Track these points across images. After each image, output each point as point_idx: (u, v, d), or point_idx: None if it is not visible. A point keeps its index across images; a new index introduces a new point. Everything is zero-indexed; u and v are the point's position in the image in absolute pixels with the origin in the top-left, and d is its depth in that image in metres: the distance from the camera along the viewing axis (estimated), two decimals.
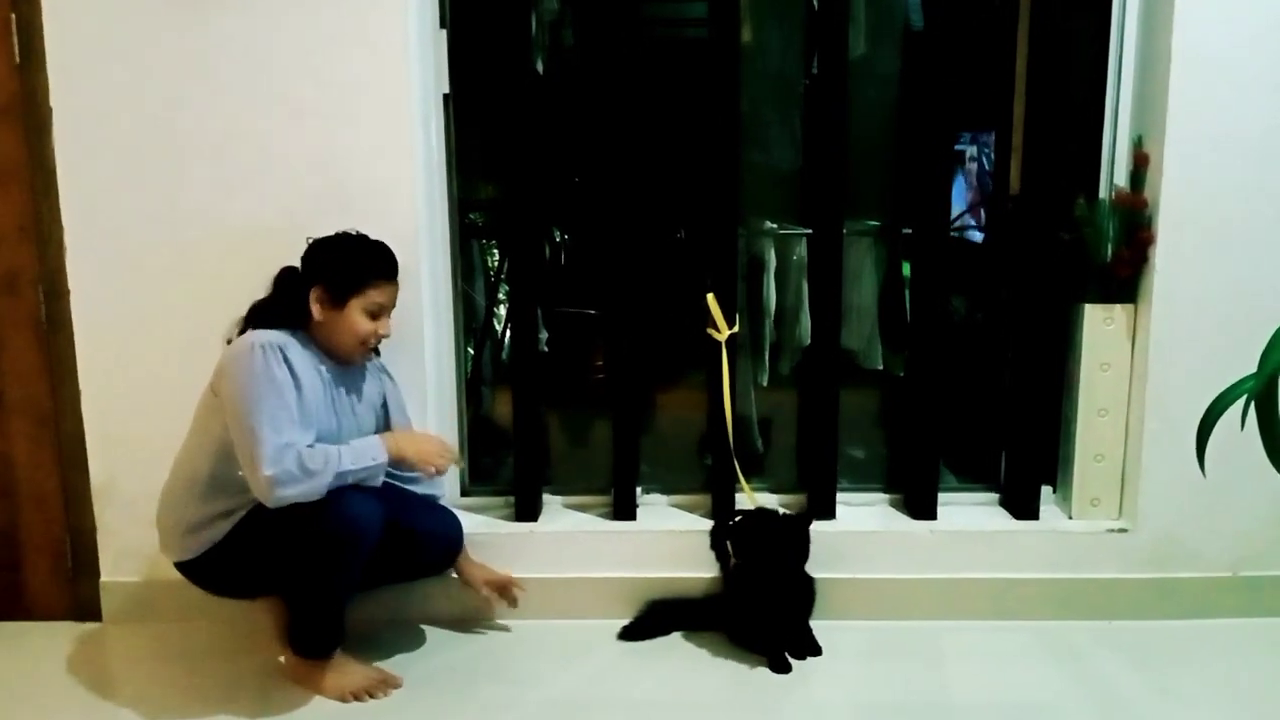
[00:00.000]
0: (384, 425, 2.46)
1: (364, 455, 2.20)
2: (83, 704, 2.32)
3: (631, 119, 2.61)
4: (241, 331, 2.25)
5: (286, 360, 2.16)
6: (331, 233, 2.31)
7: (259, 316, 2.27)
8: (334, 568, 2.20)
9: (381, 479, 2.30)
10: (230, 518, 2.21)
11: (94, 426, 2.60)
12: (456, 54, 2.65)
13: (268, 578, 2.31)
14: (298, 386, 2.16)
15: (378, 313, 2.28)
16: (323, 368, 2.26)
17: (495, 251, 3.12)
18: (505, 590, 2.57)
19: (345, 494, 2.16)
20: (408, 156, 2.51)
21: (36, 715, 2.27)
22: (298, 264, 2.31)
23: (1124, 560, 2.64)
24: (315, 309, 2.24)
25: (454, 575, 2.57)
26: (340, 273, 2.25)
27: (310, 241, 2.30)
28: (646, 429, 2.99)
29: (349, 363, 2.34)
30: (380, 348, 2.44)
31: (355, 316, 2.25)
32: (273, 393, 2.12)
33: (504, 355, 3.08)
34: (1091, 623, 2.62)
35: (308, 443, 2.13)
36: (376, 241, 2.32)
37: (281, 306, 2.27)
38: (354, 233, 2.32)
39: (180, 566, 2.30)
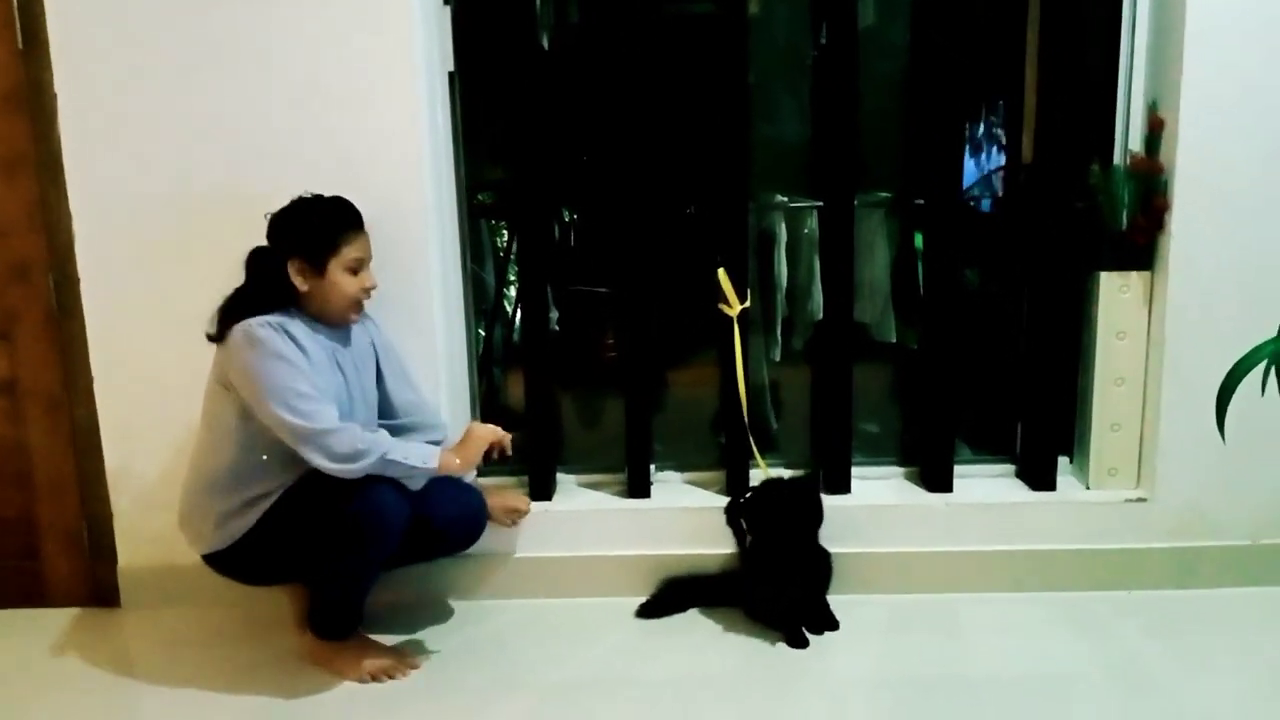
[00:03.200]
0: (377, 369, 2.44)
1: (415, 455, 2.18)
2: (102, 689, 2.34)
3: (639, 94, 2.58)
4: (223, 322, 2.20)
5: (291, 338, 2.15)
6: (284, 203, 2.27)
7: (243, 304, 2.21)
8: (358, 558, 2.22)
9: (421, 484, 2.27)
10: (258, 505, 2.21)
11: (107, 413, 2.61)
12: (461, 31, 2.63)
13: (295, 564, 2.31)
14: (308, 360, 2.16)
15: (357, 267, 2.26)
16: (320, 336, 2.25)
17: (505, 231, 3.10)
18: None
19: (376, 486, 2.16)
20: (415, 136, 2.49)
21: (56, 701, 2.28)
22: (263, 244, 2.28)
23: (1143, 530, 2.62)
24: (298, 281, 2.21)
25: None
26: (310, 239, 2.22)
27: (269, 217, 2.26)
28: (659, 406, 2.98)
29: (344, 325, 2.32)
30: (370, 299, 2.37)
31: (338, 277, 2.23)
32: (294, 375, 2.11)
33: (515, 335, 3.07)
34: (1111, 593, 2.60)
35: (333, 415, 2.13)
36: (333, 197, 2.27)
37: (262, 288, 2.23)
38: (308, 195, 2.28)
39: (209, 559, 2.30)
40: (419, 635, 2.49)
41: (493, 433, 2.32)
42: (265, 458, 2.19)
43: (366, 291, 2.28)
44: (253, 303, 2.20)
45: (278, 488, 2.21)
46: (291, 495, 2.21)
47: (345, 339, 2.34)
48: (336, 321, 2.29)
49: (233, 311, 2.20)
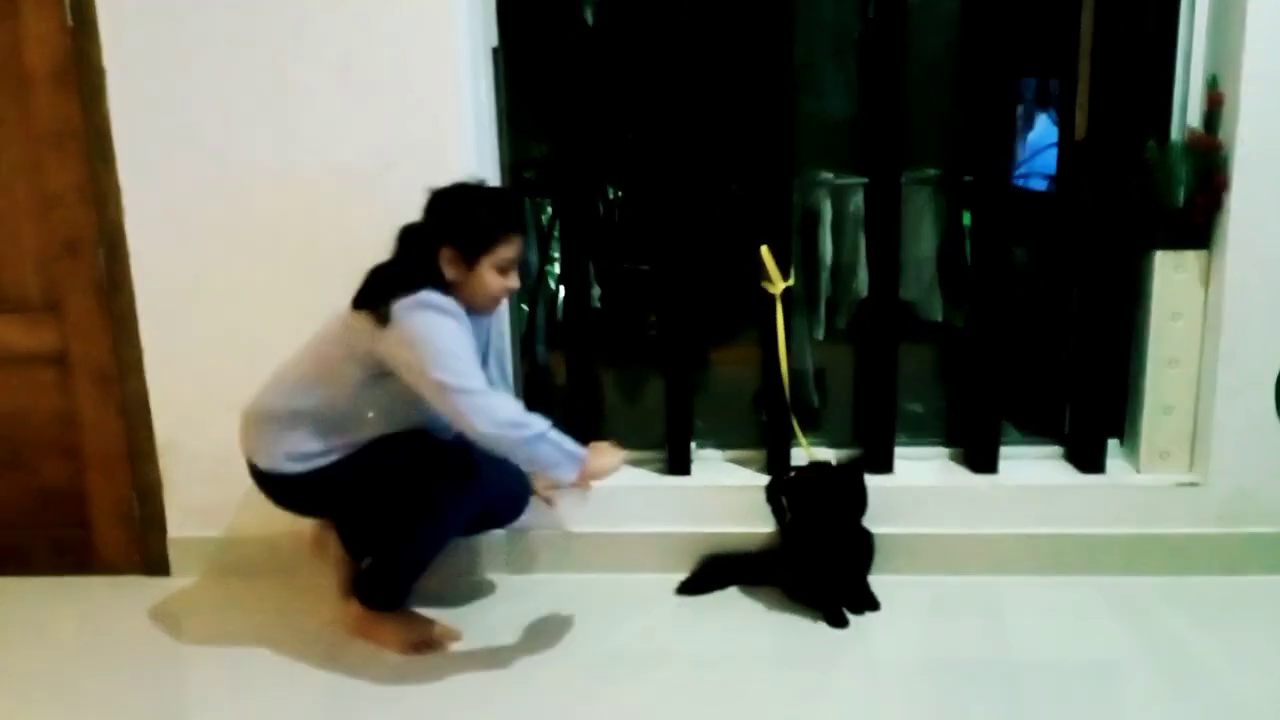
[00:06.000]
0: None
1: (570, 445, 2.15)
2: (150, 656, 2.39)
3: (683, 69, 2.56)
4: (371, 295, 2.15)
5: (452, 315, 2.14)
6: (451, 184, 2.22)
7: (394, 281, 2.16)
8: (430, 535, 2.27)
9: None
10: (340, 452, 2.23)
11: (156, 385, 2.65)
12: (505, 6, 2.61)
13: (348, 511, 2.33)
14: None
15: (507, 267, 2.22)
16: (467, 320, 2.19)
17: (548, 208, 3.10)
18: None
19: (460, 467, 2.20)
20: (457, 112, 2.48)
21: (106, 666, 2.33)
22: (413, 220, 2.24)
23: (1194, 515, 2.57)
24: (448, 270, 2.17)
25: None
26: (470, 232, 2.18)
27: (431, 193, 2.21)
28: (701, 384, 2.96)
29: (483, 315, 2.31)
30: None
31: (487, 275, 2.20)
32: (460, 342, 2.10)
33: (558, 312, 3.06)
34: (1159, 579, 2.56)
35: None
36: (499, 191, 2.25)
37: (411, 267, 2.18)
38: (474, 183, 2.24)
39: (259, 474, 2.29)
40: (461, 609, 2.51)
41: (618, 462, 2.26)
42: (371, 414, 2.20)
43: (509, 291, 2.26)
44: (403, 281, 2.15)
45: (365, 440, 2.22)
46: (372, 451, 2.22)
47: (482, 330, 2.35)
48: (477, 313, 2.26)
49: (382, 286, 2.16)
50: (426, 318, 2.10)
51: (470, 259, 2.18)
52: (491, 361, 2.42)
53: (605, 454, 2.23)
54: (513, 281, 2.26)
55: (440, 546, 2.33)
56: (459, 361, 2.08)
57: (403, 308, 2.10)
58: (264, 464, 2.27)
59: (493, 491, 2.33)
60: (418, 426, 2.26)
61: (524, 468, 2.26)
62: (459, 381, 2.06)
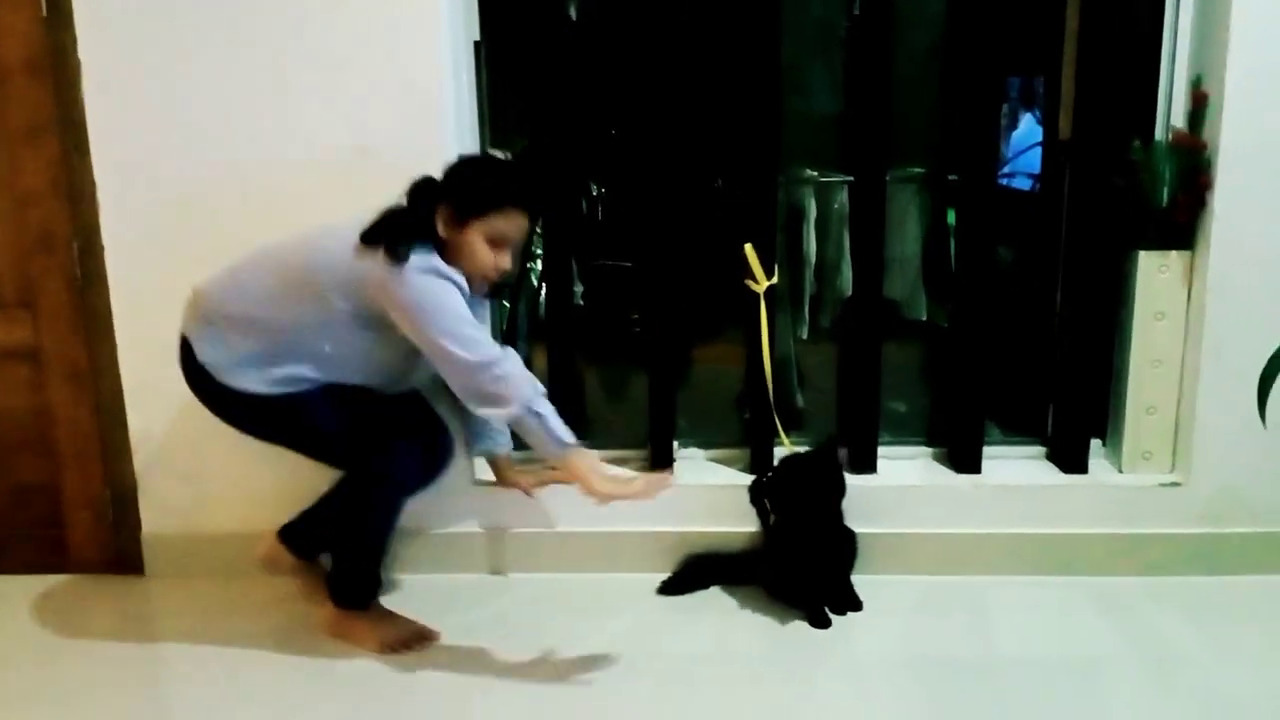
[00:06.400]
0: None
1: (559, 423, 2.15)
2: (124, 656, 2.35)
3: (666, 65, 2.54)
4: (375, 235, 2.10)
5: (456, 285, 2.10)
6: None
7: (391, 225, 2.12)
8: (373, 509, 2.26)
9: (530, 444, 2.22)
10: (288, 384, 2.18)
11: (132, 382, 2.61)
12: (487, 0, 2.59)
13: (278, 440, 2.29)
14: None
15: (500, 241, 2.16)
16: (463, 283, 2.15)
17: None
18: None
19: (404, 443, 2.21)
20: (439, 106, 2.46)
21: (78, 667, 2.29)
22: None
23: (1176, 515, 2.58)
24: (440, 227, 2.13)
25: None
26: (466, 192, 2.14)
27: (460, 157, 2.24)
28: (684, 382, 2.95)
29: (476, 293, 2.23)
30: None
31: (475, 242, 2.14)
32: (463, 306, 2.08)
33: (540, 309, 3.04)
34: (1143, 579, 2.56)
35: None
36: (514, 166, 2.21)
37: (411, 217, 2.14)
38: (503, 156, 2.20)
39: (196, 374, 2.23)
40: (440, 609, 2.48)
41: (654, 488, 2.20)
42: (327, 349, 2.16)
43: (497, 270, 2.19)
44: (396, 226, 2.12)
45: (301, 378, 2.18)
46: (301, 405, 2.19)
47: (473, 304, 2.24)
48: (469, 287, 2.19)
49: (385, 227, 2.12)
50: (432, 283, 2.07)
51: (461, 218, 2.13)
52: None
53: (634, 488, 2.20)
54: (504, 260, 2.19)
55: (389, 524, 2.30)
56: (464, 325, 2.07)
57: (414, 269, 2.06)
58: (202, 357, 2.21)
59: (418, 454, 2.30)
60: (363, 380, 2.22)
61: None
62: (464, 353, 2.05)
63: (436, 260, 2.10)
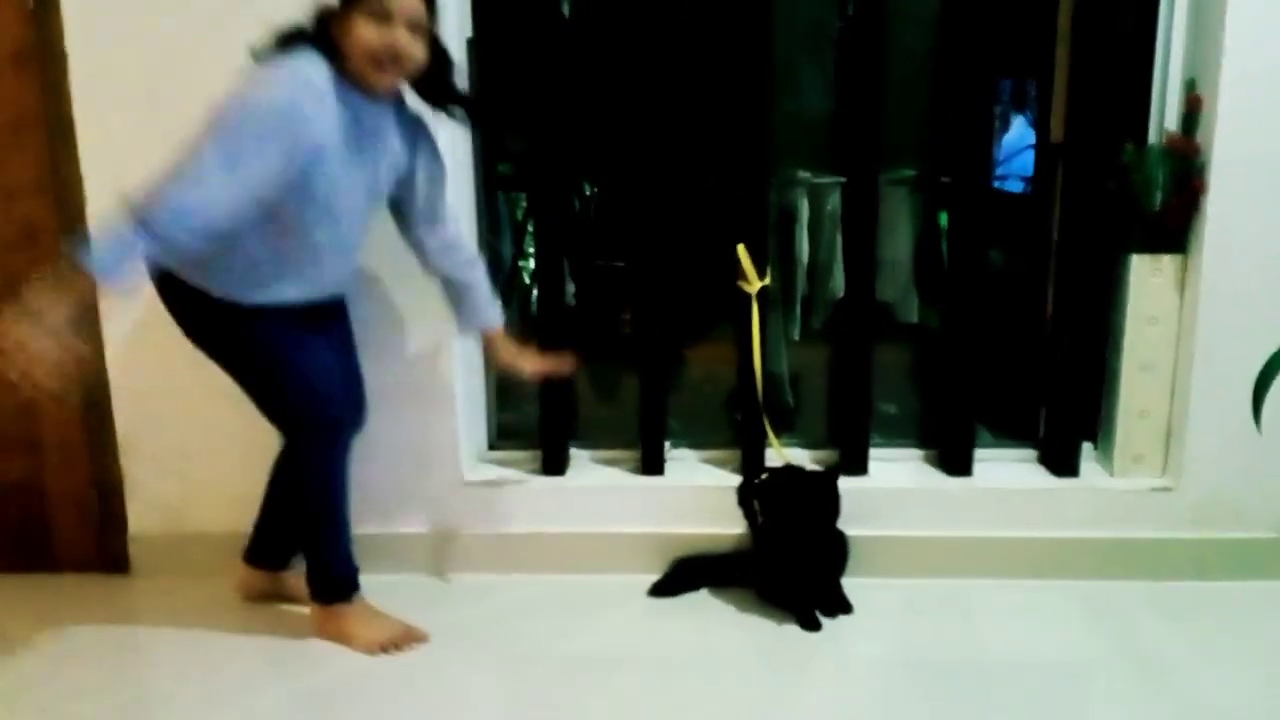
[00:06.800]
0: (409, 195, 2.21)
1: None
2: (110, 656, 2.33)
3: (660, 64, 2.53)
4: (281, 44, 1.97)
5: (312, 84, 1.91)
6: None
7: (294, 32, 1.99)
8: (312, 474, 2.23)
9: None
10: (213, 285, 2.05)
11: (118, 380, 2.59)
12: None
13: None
14: (304, 151, 1.91)
15: (384, 15, 1.91)
16: (351, 97, 1.98)
17: (522, 203, 3.06)
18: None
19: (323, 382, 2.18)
20: None
21: (64, 666, 2.27)
22: None
23: (1167, 519, 2.57)
24: (334, 27, 1.96)
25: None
26: None
27: None
28: (675, 383, 2.94)
29: (374, 92, 2.02)
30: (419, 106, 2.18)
31: (359, 25, 1.92)
32: (241, 139, 1.87)
33: (531, 308, 3.03)
34: (1133, 583, 2.56)
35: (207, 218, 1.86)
36: None
37: (317, 27, 1.98)
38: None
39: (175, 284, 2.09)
40: (430, 610, 2.46)
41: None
42: (255, 251, 2.02)
43: (388, 49, 1.93)
44: (289, 36, 1.99)
45: (241, 304, 2.06)
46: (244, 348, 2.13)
47: (380, 119, 2.07)
48: (364, 85, 1.99)
49: (284, 36, 1.99)
50: (264, 75, 1.89)
51: (344, 9, 1.93)
52: (420, 185, 2.20)
53: None
54: (390, 37, 1.93)
55: (337, 494, 2.26)
56: (231, 140, 1.85)
57: (266, 66, 1.92)
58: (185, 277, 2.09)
59: (344, 412, 2.27)
60: (297, 289, 2.10)
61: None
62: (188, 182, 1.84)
63: (304, 63, 1.90)
